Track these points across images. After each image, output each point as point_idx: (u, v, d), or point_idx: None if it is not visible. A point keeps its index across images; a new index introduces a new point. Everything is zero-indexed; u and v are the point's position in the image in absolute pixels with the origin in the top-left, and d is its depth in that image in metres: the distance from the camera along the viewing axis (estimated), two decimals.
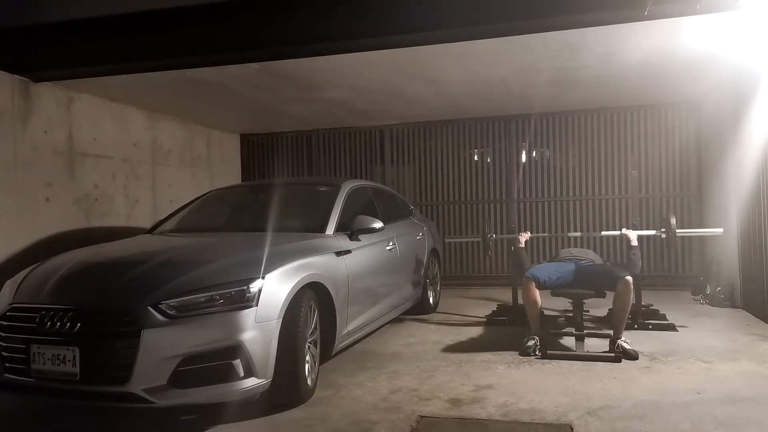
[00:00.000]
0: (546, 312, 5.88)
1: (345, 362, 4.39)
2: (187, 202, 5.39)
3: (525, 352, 4.46)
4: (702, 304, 6.49)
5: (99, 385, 3.00)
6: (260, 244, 3.66)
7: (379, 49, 4.77)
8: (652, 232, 5.61)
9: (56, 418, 3.50)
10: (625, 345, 4.40)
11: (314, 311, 3.69)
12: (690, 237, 7.66)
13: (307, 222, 4.42)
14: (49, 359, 3.03)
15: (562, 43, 4.86)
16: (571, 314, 5.11)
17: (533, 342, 4.53)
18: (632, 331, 5.15)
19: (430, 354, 4.62)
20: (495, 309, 6.13)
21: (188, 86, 5.96)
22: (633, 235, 4.96)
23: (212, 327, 3.06)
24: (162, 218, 5.24)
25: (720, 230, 5.73)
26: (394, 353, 4.67)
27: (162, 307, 3.02)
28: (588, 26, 4.25)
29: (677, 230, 5.16)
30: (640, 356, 4.32)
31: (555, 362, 4.27)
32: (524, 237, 5.33)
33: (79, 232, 5.99)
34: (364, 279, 4.42)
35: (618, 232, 5.57)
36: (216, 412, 3.25)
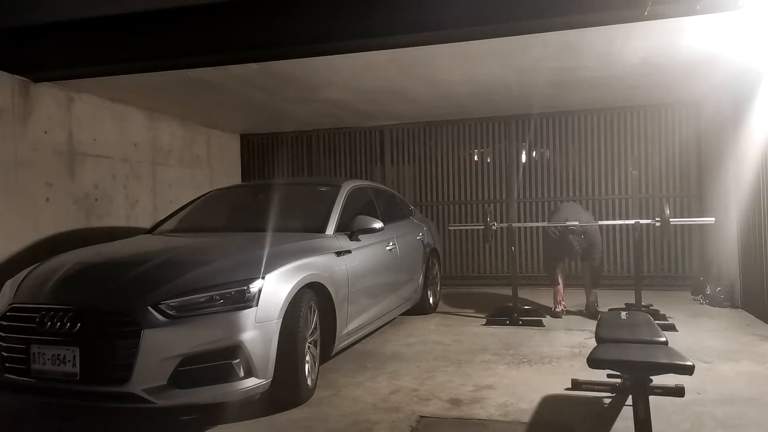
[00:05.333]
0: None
1: (345, 362, 4.39)
2: (187, 202, 5.39)
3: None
4: (702, 304, 6.49)
5: (99, 385, 3.00)
6: (260, 244, 3.66)
7: (379, 49, 4.77)
8: (648, 221, 5.86)
9: (56, 418, 3.50)
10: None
11: (314, 311, 3.69)
12: (690, 237, 7.68)
13: (307, 222, 4.42)
14: (49, 359, 3.04)
15: (562, 44, 4.86)
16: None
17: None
18: None
19: (430, 354, 4.62)
20: (495, 309, 6.13)
21: (188, 86, 5.96)
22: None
23: (212, 327, 3.06)
24: (162, 218, 5.24)
25: (712, 219, 5.89)
26: (394, 353, 4.67)
27: (162, 307, 3.02)
28: (588, 26, 4.25)
29: (670, 219, 5.32)
30: None
31: (555, 362, 4.27)
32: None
33: (79, 232, 5.99)
34: (364, 279, 4.42)
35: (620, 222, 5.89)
36: (216, 412, 3.25)
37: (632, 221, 5.79)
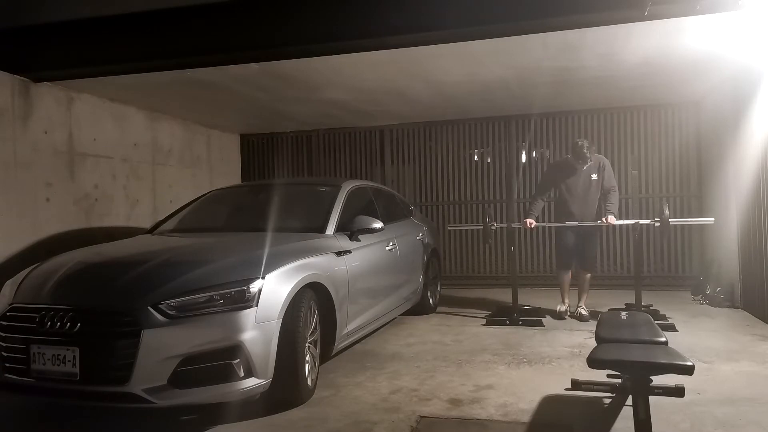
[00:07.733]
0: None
1: (345, 362, 4.39)
2: (187, 202, 5.39)
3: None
4: (702, 304, 6.49)
5: (99, 385, 2.99)
6: (260, 244, 3.66)
7: (379, 49, 4.77)
8: (647, 221, 5.85)
9: (56, 418, 3.50)
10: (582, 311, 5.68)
11: (314, 311, 3.69)
12: (690, 237, 7.68)
13: (307, 222, 4.42)
14: (49, 359, 3.04)
15: (562, 44, 4.86)
16: None
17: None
18: None
19: (430, 354, 4.62)
20: (495, 309, 6.13)
21: (188, 86, 5.96)
22: (613, 220, 5.60)
23: (212, 327, 3.06)
24: (162, 218, 5.24)
25: (711, 219, 5.91)
26: (394, 353, 4.67)
27: (162, 307, 3.02)
28: (588, 26, 4.25)
29: (670, 219, 5.36)
30: None
31: (555, 362, 4.27)
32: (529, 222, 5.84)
33: (79, 232, 5.99)
34: (364, 279, 4.42)
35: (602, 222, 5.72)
36: (216, 412, 3.25)
37: (632, 221, 5.78)
